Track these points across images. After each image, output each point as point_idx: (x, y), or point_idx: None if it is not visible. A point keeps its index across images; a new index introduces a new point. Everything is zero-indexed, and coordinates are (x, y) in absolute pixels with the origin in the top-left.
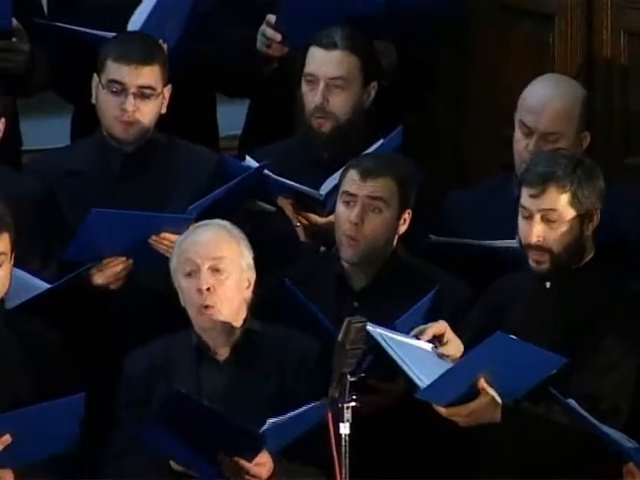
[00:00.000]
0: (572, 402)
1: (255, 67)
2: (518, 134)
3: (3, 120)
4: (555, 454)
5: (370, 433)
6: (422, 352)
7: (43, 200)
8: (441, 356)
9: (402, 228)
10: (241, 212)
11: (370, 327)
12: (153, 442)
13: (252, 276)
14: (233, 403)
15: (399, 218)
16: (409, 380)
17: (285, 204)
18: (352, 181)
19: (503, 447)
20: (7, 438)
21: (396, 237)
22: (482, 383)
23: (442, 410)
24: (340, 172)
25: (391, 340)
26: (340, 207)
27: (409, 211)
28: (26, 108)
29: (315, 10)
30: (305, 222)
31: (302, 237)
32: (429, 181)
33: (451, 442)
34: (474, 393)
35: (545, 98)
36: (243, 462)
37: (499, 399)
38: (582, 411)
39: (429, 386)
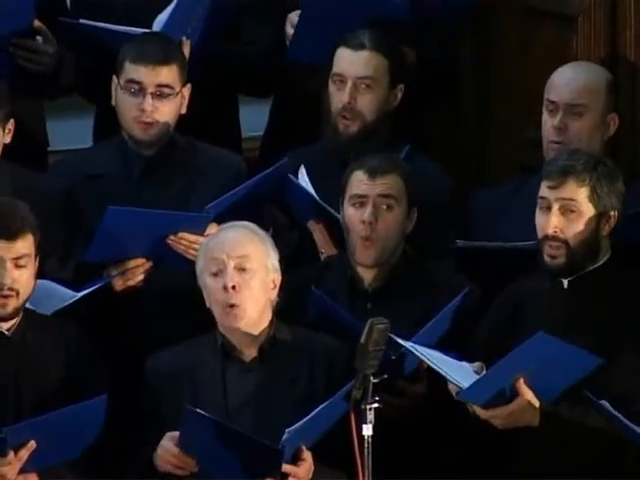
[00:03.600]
0: (605, 403)
1: (279, 66)
2: (545, 116)
3: (12, 121)
4: (591, 457)
5: (393, 434)
6: (453, 362)
7: (65, 202)
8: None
9: (410, 226)
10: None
11: (401, 341)
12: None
13: (278, 277)
14: (260, 404)
15: (408, 216)
16: (449, 383)
17: (315, 228)
18: (360, 182)
19: (539, 450)
20: (32, 444)
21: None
22: (520, 384)
23: (482, 412)
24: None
25: (423, 350)
26: (350, 211)
27: (415, 209)
28: (52, 109)
29: (332, 23)
30: (330, 252)
31: (322, 258)
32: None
33: (478, 444)
34: (512, 395)
35: (571, 74)
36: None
37: (536, 401)
38: (615, 412)
39: (470, 387)
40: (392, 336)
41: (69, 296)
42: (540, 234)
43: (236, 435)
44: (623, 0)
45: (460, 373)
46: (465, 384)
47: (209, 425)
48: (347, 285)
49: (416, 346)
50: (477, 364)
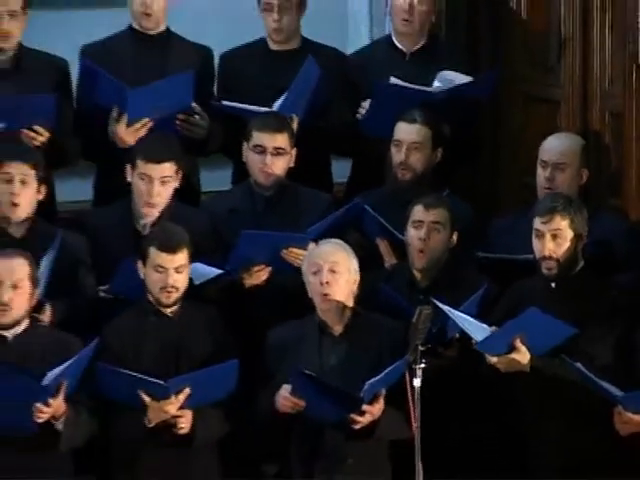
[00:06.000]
0: (579, 365)
1: (355, 137)
2: (539, 170)
3: (181, 173)
4: (564, 397)
5: (435, 386)
6: (475, 323)
7: (210, 228)
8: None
9: (452, 244)
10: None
11: (440, 305)
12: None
13: (357, 277)
14: (345, 366)
15: (451, 237)
16: (468, 336)
17: (382, 244)
18: (419, 212)
19: (530, 394)
20: (187, 391)
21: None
22: (518, 342)
23: (491, 359)
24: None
25: (453, 313)
26: (411, 231)
27: (456, 232)
28: (203, 162)
29: (395, 107)
30: (392, 261)
31: (386, 265)
32: (476, 216)
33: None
34: (512, 349)
35: (556, 141)
36: (366, 407)
37: (528, 354)
38: (585, 370)
39: (482, 341)
40: (439, 304)
41: (212, 272)
42: (538, 255)
43: (329, 387)
44: (592, 92)
45: (479, 331)
46: (479, 338)
47: (310, 379)
48: (406, 283)
49: (451, 309)
50: (493, 328)
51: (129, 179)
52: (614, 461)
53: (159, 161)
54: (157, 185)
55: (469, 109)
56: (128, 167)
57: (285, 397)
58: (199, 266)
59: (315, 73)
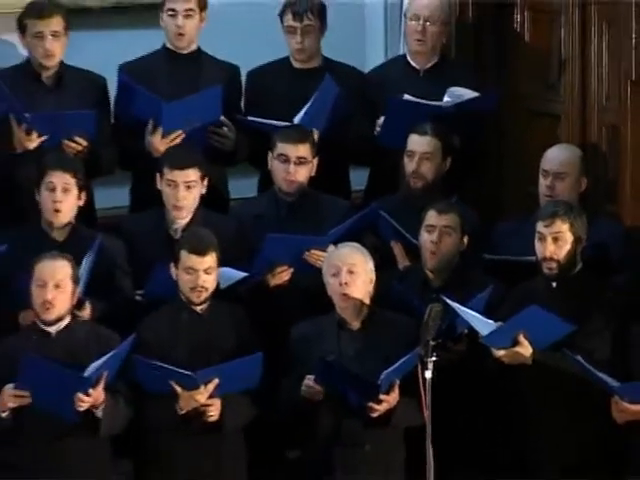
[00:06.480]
0: (579, 357)
1: (372, 149)
2: (541, 179)
3: (207, 179)
4: (565, 388)
5: (445, 378)
6: (482, 319)
7: (237, 232)
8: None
9: (462, 247)
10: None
11: (450, 302)
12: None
13: (373, 277)
14: (362, 358)
15: (461, 240)
16: (476, 332)
17: (396, 246)
18: (431, 217)
19: (533, 385)
20: (216, 381)
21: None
22: (521, 336)
23: (496, 352)
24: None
25: (461, 309)
26: (424, 235)
27: (467, 236)
28: (231, 171)
29: (408, 121)
30: (405, 263)
31: (400, 266)
32: (482, 221)
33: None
34: (515, 342)
35: (557, 152)
36: (383, 397)
37: (530, 348)
38: (584, 362)
39: (487, 335)
40: (448, 302)
41: (238, 275)
42: (540, 256)
43: (350, 373)
44: (590, 107)
45: (484, 326)
46: (485, 332)
47: (332, 367)
48: (419, 282)
49: (459, 306)
50: (499, 323)
51: (159, 187)
52: (612, 456)
53: (183, 167)
54: (182, 190)
55: (475, 122)
56: (157, 176)
57: (309, 385)
58: (226, 270)
59: (333, 90)
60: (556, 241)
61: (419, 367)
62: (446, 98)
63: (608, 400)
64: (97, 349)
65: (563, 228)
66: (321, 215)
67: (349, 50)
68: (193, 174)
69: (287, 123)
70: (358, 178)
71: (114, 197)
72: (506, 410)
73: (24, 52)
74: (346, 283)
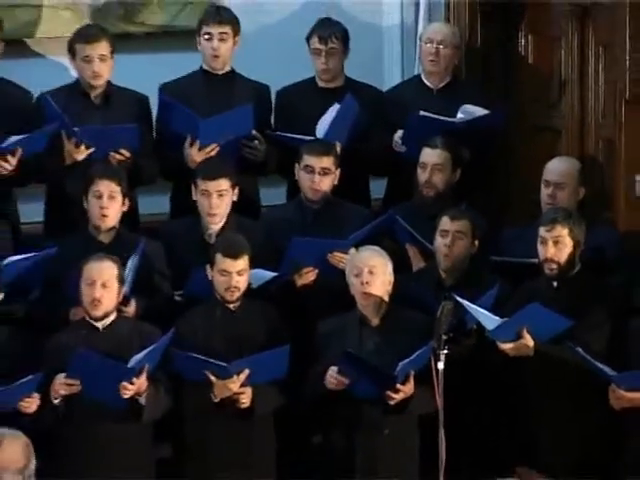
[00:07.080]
0: (578, 349)
1: (390, 162)
2: (543, 188)
3: (237, 189)
4: (567, 379)
5: (456, 369)
6: (488, 314)
7: (266, 239)
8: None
9: (473, 250)
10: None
11: (460, 300)
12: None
13: (392, 278)
14: (381, 351)
15: (472, 244)
16: (483, 327)
17: (411, 249)
18: (445, 222)
19: (536, 377)
20: (247, 371)
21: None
22: (524, 331)
23: (502, 345)
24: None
25: (470, 306)
26: (438, 239)
27: (477, 240)
28: (262, 181)
29: (425, 132)
30: (420, 265)
31: (414, 268)
32: (489, 227)
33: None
34: (519, 336)
35: (557, 163)
36: (400, 387)
37: (532, 341)
38: (584, 354)
39: (493, 329)
40: (459, 299)
41: (268, 276)
42: (542, 258)
43: (370, 365)
44: (588, 124)
45: (490, 321)
46: (491, 327)
47: (354, 359)
48: (433, 282)
49: (469, 303)
50: (504, 319)
51: (194, 197)
52: (611, 454)
53: (214, 178)
54: (215, 198)
55: (486, 138)
56: (193, 187)
57: (332, 375)
58: (257, 271)
59: (353, 108)
60: (556, 244)
61: (432, 359)
62: (459, 115)
63: (607, 390)
64: (139, 343)
65: (563, 233)
66: (343, 221)
67: (369, 71)
68: (224, 183)
69: (312, 137)
70: (377, 187)
71: (156, 204)
72: (511, 400)
73: (74, 73)
74: (367, 282)
